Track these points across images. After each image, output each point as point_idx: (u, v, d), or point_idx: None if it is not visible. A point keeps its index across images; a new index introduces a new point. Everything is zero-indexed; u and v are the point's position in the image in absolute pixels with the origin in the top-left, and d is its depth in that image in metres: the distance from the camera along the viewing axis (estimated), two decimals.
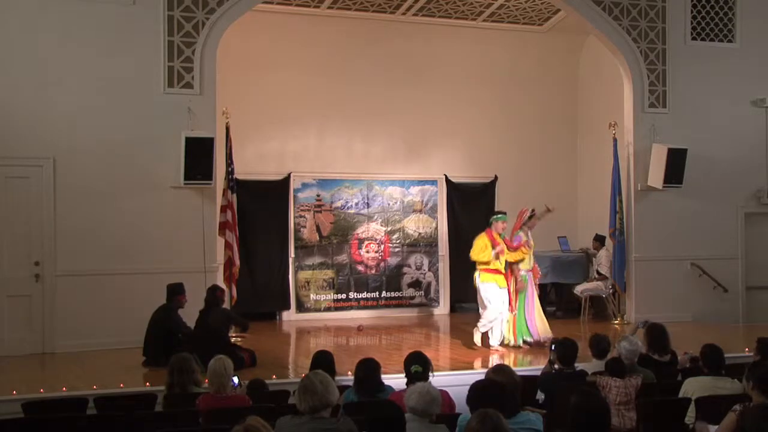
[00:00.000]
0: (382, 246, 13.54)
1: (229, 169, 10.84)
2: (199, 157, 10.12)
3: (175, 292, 9.33)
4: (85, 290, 9.93)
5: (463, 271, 11.83)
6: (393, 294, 13.56)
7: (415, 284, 13.72)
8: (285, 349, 10.79)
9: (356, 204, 13.45)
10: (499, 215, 10.18)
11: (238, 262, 10.79)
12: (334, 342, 10.90)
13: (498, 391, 4.67)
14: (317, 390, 4.52)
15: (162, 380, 6.46)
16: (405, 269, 13.68)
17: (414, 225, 13.80)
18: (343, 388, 5.94)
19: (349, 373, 7.62)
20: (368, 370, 5.95)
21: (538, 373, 7.05)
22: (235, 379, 6.07)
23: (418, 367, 5.72)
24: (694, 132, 12.46)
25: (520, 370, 6.80)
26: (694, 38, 12.80)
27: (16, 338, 9.74)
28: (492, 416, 3.99)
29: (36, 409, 6.18)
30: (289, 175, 12.98)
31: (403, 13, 13.42)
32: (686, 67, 12.61)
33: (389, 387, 5.97)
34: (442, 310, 13.66)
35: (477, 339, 9.98)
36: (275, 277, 12.83)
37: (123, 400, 6.50)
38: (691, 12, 12.79)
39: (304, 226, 13.11)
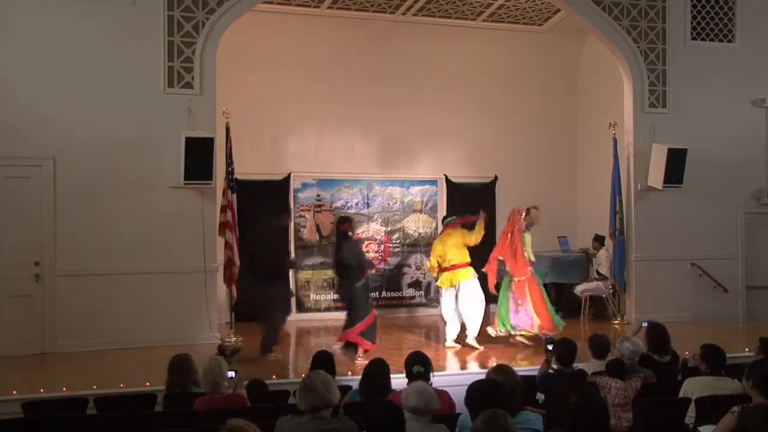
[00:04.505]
0: (382, 246, 13.54)
1: (229, 169, 10.83)
2: (199, 157, 10.12)
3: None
4: (85, 290, 9.92)
5: None
6: (393, 294, 13.56)
7: (415, 284, 13.73)
8: (285, 349, 10.79)
9: (356, 204, 13.46)
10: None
11: (238, 262, 10.75)
12: (334, 342, 10.89)
13: (496, 391, 4.66)
14: (318, 389, 4.52)
15: (162, 380, 6.46)
16: (405, 269, 13.68)
17: (414, 225, 13.81)
18: (343, 388, 5.94)
19: (350, 373, 7.64)
20: (377, 372, 5.92)
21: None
22: (231, 374, 6.08)
23: (419, 367, 5.71)
24: (694, 132, 12.45)
25: (520, 370, 6.79)
26: (694, 38, 12.80)
27: (16, 338, 9.72)
28: (499, 417, 3.97)
29: (36, 409, 6.18)
30: (289, 175, 12.99)
31: (403, 13, 13.42)
32: (686, 67, 12.60)
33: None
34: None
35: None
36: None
37: (123, 400, 6.51)
38: (691, 12, 12.78)
39: (304, 226, 13.12)
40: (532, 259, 10.37)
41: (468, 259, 10.22)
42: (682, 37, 12.69)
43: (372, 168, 13.54)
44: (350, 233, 9.75)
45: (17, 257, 9.85)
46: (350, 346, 9.44)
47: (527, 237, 10.34)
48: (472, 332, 10.13)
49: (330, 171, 13.28)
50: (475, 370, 8.41)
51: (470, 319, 10.11)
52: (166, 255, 10.25)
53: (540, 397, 6.60)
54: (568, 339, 7.03)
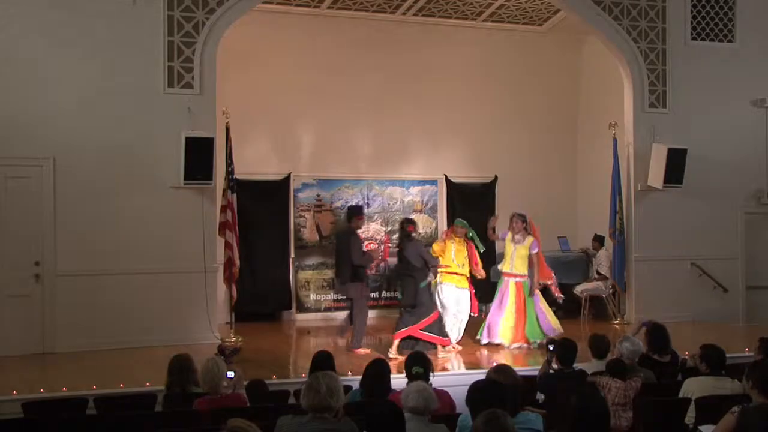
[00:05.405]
0: (382, 246, 13.50)
1: (229, 169, 10.83)
2: (199, 157, 10.12)
3: (353, 213, 10.21)
4: (85, 290, 9.92)
5: None
6: (393, 294, 13.54)
7: None
8: (285, 349, 10.79)
9: (356, 204, 13.44)
10: (458, 220, 10.44)
11: (238, 262, 10.77)
12: (334, 342, 10.89)
13: (497, 391, 4.66)
14: (320, 391, 4.51)
15: (162, 380, 6.47)
16: None
17: None
18: (343, 388, 5.93)
19: (350, 373, 7.64)
20: (378, 372, 5.93)
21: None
22: (230, 374, 6.09)
23: (419, 368, 5.72)
24: (694, 132, 12.46)
25: (520, 370, 6.80)
26: (694, 38, 12.80)
27: (16, 338, 9.72)
28: (499, 417, 3.97)
29: (36, 409, 6.18)
30: (289, 175, 12.98)
31: (403, 13, 13.42)
32: (686, 67, 12.61)
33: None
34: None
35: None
36: (275, 277, 12.82)
37: (123, 400, 6.51)
38: (691, 12, 12.78)
39: (304, 226, 13.11)
40: (498, 266, 10.52)
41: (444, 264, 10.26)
42: (682, 37, 12.69)
43: (372, 168, 13.53)
44: (414, 234, 10.01)
45: (17, 257, 9.84)
46: (409, 342, 9.59)
47: (509, 245, 10.39)
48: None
49: (330, 171, 13.28)
50: (476, 370, 8.39)
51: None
52: (165, 255, 10.25)
53: (540, 397, 6.60)
54: (568, 339, 7.03)
